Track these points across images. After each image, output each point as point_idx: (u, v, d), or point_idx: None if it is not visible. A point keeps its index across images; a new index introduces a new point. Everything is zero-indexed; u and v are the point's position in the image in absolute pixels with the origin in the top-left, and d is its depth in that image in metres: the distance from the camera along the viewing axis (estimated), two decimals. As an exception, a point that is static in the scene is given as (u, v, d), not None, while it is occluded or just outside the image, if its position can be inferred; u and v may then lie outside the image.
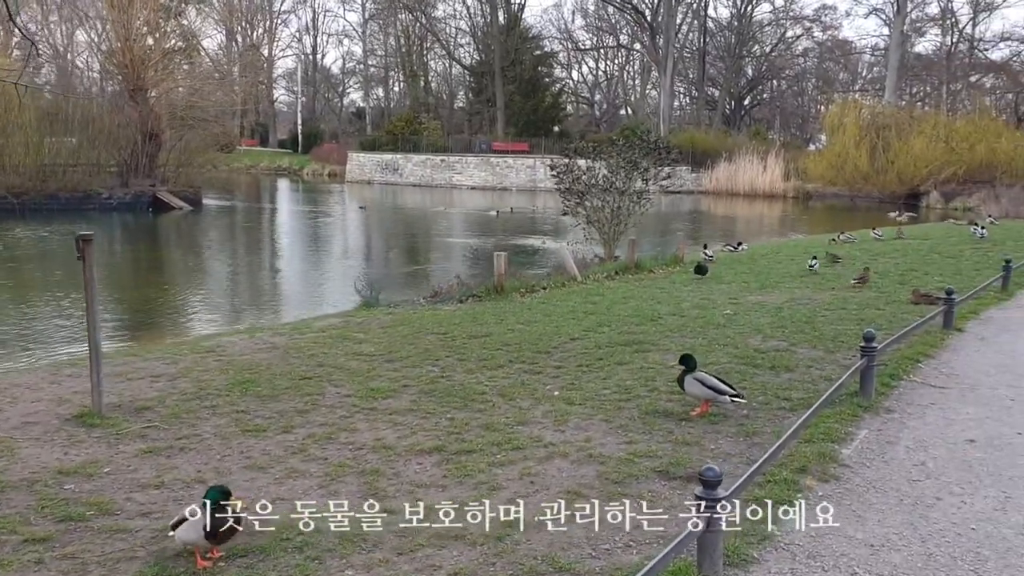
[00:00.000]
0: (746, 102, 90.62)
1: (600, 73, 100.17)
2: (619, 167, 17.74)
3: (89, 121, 40.72)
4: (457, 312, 12.35)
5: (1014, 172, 47.19)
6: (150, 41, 48.41)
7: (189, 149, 44.09)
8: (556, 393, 7.44)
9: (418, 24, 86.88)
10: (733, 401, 6.62)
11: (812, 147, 71.54)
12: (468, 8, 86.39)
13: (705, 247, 19.31)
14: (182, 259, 26.81)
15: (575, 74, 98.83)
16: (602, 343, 9.60)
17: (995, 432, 6.25)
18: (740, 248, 21.53)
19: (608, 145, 18.88)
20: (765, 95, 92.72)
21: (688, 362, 6.70)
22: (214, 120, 47.31)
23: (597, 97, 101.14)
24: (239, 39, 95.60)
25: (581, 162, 18.19)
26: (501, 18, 79.81)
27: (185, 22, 59.14)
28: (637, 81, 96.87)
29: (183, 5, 55.89)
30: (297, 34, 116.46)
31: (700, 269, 15.92)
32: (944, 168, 48.72)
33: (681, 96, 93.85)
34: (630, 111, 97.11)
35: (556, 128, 78.41)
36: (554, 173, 18.27)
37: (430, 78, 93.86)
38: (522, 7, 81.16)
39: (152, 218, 37.73)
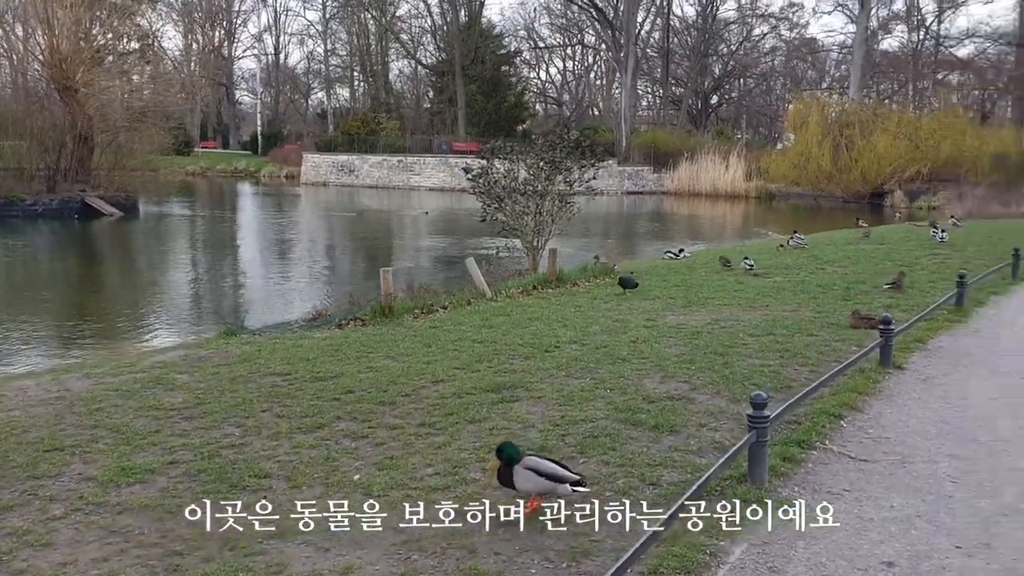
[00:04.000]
0: (713, 101, 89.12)
1: (568, 73, 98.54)
2: (539, 168, 15.92)
3: (11, 122, 38.45)
4: (324, 341, 10.47)
5: (979, 170, 45.80)
6: (102, 41, 46.15)
7: (123, 152, 41.82)
8: (357, 477, 5.62)
9: (378, 23, 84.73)
10: (575, 491, 4.86)
11: (780, 146, 70.13)
12: (429, 7, 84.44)
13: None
14: (80, 273, 24.62)
15: (543, 74, 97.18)
16: (466, 388, 7.80)
17: (924, 545, 4.44)
18: (681, 255, 19.75)
19: (527, 145, 17.02)
20: (733, 94, 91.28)
21: (509, 452, 4.91)
22: (153, 121, 44.85)
23: (566, 97, 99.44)
24: (199, 39, 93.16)
25: (499, 164, 16.33)
26: (462, 17, 77.89)
27: (144, 22, 56.74)
28: (604, 81, 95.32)
29: (136, 4, 53.59)
30: (258, 34, 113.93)
31: (626, 283, 14.16)
32: (908, 166, 47.34)
33: (649, 96, 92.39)
34: (597, 111, 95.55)
35: (520, 128, 76.66)
36: (469, 177, 16.41)
37: (392, 78, 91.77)
38: (482, 5, 79.34)
39: (77, 226, 35.50)
